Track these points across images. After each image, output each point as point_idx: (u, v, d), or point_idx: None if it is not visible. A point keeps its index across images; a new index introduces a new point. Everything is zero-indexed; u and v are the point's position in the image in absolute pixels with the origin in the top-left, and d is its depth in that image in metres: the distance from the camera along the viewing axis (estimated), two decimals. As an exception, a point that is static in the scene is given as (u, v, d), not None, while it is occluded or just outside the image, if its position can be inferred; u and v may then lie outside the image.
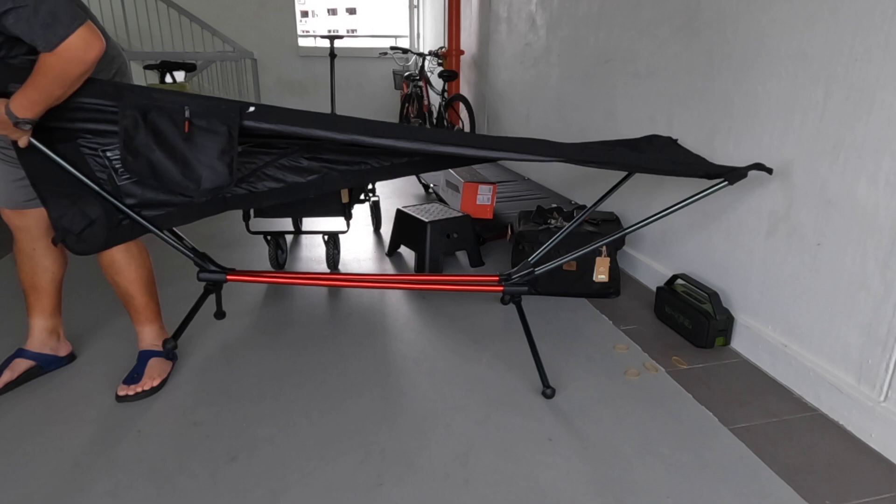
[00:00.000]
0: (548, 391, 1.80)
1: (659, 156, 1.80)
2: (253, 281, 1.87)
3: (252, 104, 1.49)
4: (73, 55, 1.31)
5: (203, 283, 1.85)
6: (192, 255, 1.79)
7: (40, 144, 1.48)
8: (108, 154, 1.60)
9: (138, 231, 1.70)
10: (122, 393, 1.75)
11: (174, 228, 1.78)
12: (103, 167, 1.60)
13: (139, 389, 1.77)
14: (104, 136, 1.57)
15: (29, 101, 1.37)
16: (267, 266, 2.81)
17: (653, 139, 1.98)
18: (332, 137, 1.50)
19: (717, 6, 2.12)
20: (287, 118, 1.50)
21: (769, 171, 1.73)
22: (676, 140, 1.96)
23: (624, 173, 1.94)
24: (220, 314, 2.24)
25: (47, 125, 1.48)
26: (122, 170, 1.60)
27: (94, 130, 1.56)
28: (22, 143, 1.46)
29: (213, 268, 1.83)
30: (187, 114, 1.45)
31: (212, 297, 2.31)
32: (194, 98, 1.47)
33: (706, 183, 1.76)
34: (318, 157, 1.73)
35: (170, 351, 1.88)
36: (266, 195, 1.74)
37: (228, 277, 1.82)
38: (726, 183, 1.71)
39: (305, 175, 1.74)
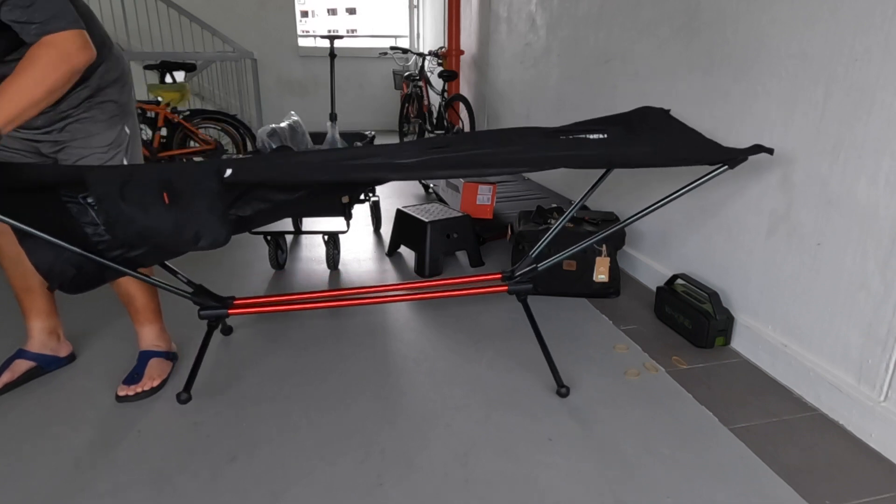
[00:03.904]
0: (563, 390, 1.80)
1: (655, 146, 1.73)
2: (256, 312, 1.78)
3: (230, 166, 1.40)
4: (65, 49, 1.26)
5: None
6: (189, 295, 1.71)
7: (6, 218, 1.36)
8: (90, 200, 1.51)
9: (136, 264, 1.61)
10: (122, 393, 1.76)
11: (168, 263, 1.71)
12: (85, 215, 1.51)
13: (139, 390, 1.77)
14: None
15: (4, 101, 1.24)
16: (267, 266, 2.81)
17: (646, 115, 1.87)
18: (319, 180, 1.44)
19: (717, 6, 2.12)
20: (267, 170, 1.45)
21: (770, 151, 1.66)
22: (669, 111, 1.89)
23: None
24: (226, 330, 2.17)
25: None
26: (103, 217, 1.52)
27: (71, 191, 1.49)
28: None
29: (212, 303, 1.73)
30: (162, 186, 1.37)
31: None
32: (166, 169, 1.41)
33: (706, 169, 1.70)
34: None
35: (184, 402, 1.78)
36: (255, 217, 1.64)
37: (230, 312, 1.75)
38: (726, 168, 1.66)
39: (292, 192, 1.64)
